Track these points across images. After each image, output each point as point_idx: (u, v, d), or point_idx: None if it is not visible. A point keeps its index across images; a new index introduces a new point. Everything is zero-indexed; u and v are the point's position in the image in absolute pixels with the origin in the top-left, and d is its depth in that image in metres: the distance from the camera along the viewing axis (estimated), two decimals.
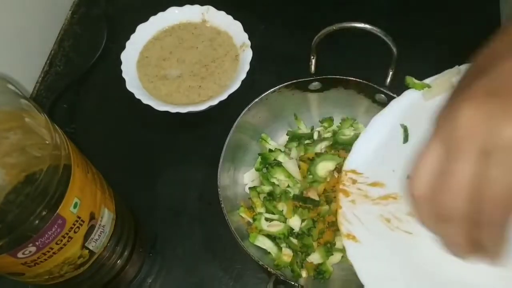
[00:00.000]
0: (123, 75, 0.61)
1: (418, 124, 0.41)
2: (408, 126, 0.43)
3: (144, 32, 0.66)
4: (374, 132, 0.44)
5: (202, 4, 0.67)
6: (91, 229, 0.44)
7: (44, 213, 0.37)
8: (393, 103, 0.45)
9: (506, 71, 0.28)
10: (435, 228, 0.32)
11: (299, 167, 0.55)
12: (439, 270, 0.37)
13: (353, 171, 0.42)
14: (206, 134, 0.63)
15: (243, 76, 0.60)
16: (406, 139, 0.43)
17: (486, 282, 0.36)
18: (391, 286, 0.38)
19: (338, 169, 0.54)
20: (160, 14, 0.67)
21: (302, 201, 0.52)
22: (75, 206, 0.40)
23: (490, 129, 0.27)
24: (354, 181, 0.42)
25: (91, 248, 0.45)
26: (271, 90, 0.54)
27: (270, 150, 0.57)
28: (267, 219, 0.53)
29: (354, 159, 0.44)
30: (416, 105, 0.44)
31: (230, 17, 0.66)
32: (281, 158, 0.56)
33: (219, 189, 0.49)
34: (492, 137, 0.27)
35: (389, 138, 0.43)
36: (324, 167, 0.54)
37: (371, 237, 0.40)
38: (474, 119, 0.27)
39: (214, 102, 0.59)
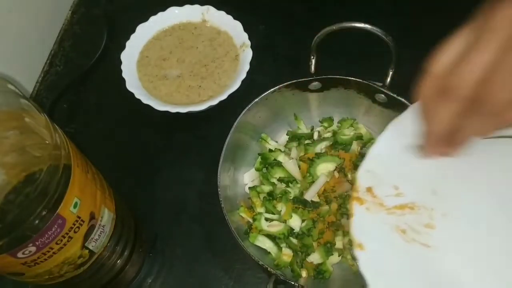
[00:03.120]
0: (123, 75, 0.61)
1: None
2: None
3: (144, 32, 0.66)
4: (391, 138, 0.41)
5: (202, 4, 0.67)
6: (91, 229, 0.44)
7: (44, 213, 0.37)
8: (414, 106, 0.41)
9: None
10: (429, 102, 0.34)
11: (299, 167, 0.55)
12: (457, 286, 0.36)
13: (369, 189, 0.40)
14: (206, 134, 0.63)
15: (243, 76, 0.60)
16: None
17: None
18: None
19: (338, 169, 0.54)
20: (160, 14, 0.67)
21: (302, 204, 0.52)
22: (75, 206, 0.40)
23: None
24: (369, 189, 0.40)
25: (91, 248, 0.45)
26: (271, 90, 0.54)
27: (270, 150, 0.57)
28: (267, 219, 0.53)
29: (369, 166, 0.41)
30: None
31: (230, 17, 0.66)
32: (281, 158, 0.56)
33: (219, 189, 0.49)
34: None
35: (406, 145, 0.41)
36: (324, 168, 0.54)
37: (385, 248, 0.38)
38: (508, 15, 0.29)
39: (214, 102, 0.59)
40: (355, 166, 0.55)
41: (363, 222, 0.39)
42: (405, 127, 0.41)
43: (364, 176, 0.41)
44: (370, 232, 0.38)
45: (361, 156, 0.55)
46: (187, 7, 0.68)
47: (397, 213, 0.39)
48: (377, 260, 0.37)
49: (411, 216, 0.39)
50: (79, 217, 0.41)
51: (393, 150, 0.41)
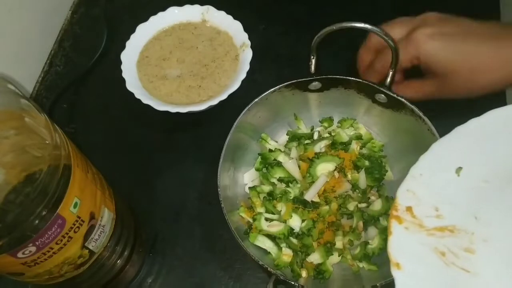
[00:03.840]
0: (123, 75, 0.61)
1: (482, 154, 0.39)
2: (469, 158, 0.40)
3: (144, 32, 0.66)
4: (434, 158, 0.40)
5: (202, 4, 0.67)
6: (91, 229, 0.44)
7: (44, 213, 0.37)
8: (459, 129, 0.40)
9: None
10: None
11: (299, 167, 0.55)
12: None
13: (409, 209, 0.40)
14: (206, 134, 0.63)
15: (243, 76, 0.60)
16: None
17: None
18: None
19: (338, 169, 0.54)
20: (160, 14, 0.67)
21: (302, 204, 0.52)
22: (75, 206, 0.40)
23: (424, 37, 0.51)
24: (408, 209, 0.39)
25: (91, 248, 0.45)
26: (271, 90, 0.54)
27: (270, 150, 0.57)
28: (267, 219, 0.53)
29: (410, 185, 0.40)
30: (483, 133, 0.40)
31: (230, 17, 0.66)
32: (281, 158, 0.56)
33: (219, 189, 0.49)
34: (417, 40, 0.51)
35: (449, 167, 0.40)
36: (323, 169, 0.54)
37: (423, 269, 0.37)
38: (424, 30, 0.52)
39: (214, 102, 0.59)
40: (355, 166, 0.55)
41: (402, 242, 0.38)
42: (448, 149, 0.40)
43: (404, 195, 0.40)
44: (408, 252, 0.37)
45: (361, 155, 0.55)
46: (187, 7, 0.67)
47: (436, 235, 0.38)
48: (415, 281, 0.36)
49: (451, 239, 0.38)
50: (79, 217, 0.41)
51: (435, 171, 0.40)
